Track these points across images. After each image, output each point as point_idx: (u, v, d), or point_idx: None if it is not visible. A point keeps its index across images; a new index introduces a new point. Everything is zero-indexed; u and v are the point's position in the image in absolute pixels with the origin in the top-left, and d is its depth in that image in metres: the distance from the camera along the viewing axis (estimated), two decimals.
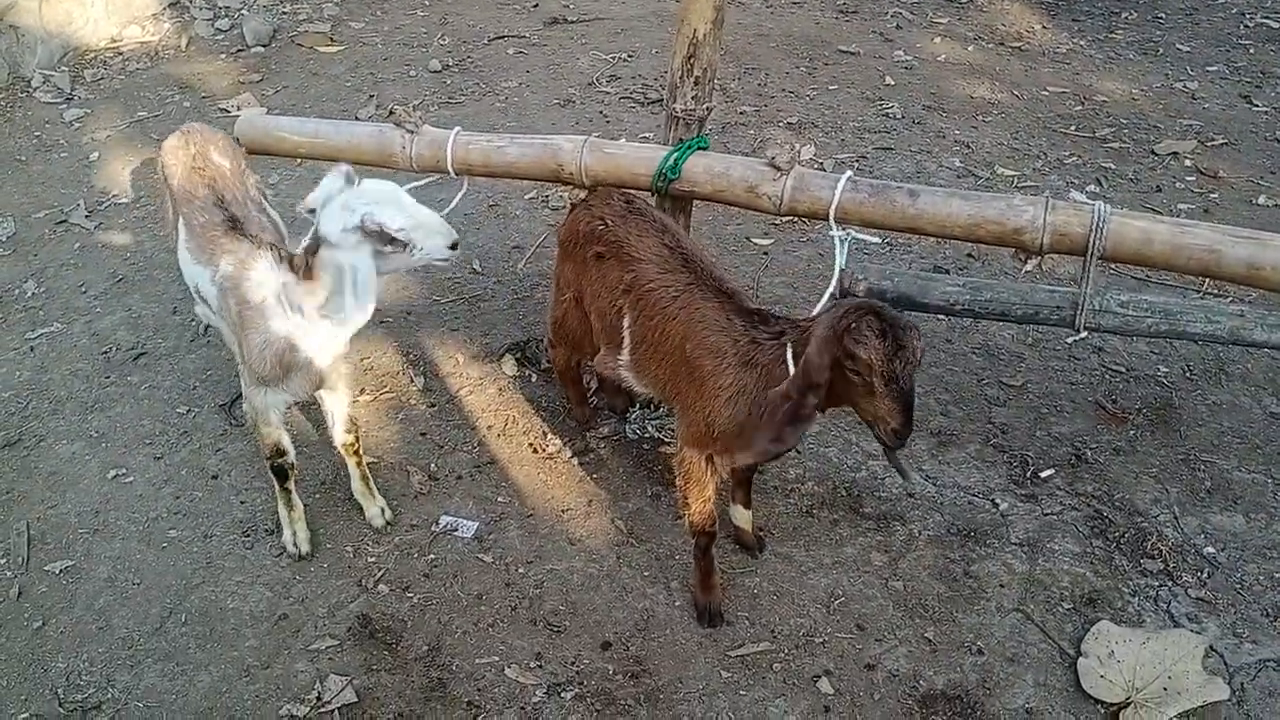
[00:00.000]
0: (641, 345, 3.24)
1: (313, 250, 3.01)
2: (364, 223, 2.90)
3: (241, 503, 3.71)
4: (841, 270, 3.28)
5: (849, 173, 3.32)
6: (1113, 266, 4.86)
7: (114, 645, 3.21)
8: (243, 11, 8.13)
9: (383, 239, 2.93)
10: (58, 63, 7.27)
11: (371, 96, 6.82)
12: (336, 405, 3.45)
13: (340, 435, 3.50)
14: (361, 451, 3.57)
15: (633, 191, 3.51)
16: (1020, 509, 3.68)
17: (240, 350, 3.24)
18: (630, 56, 7.52)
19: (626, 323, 3.27)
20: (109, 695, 3.06)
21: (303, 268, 3.04)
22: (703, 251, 3.27)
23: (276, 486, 3.43)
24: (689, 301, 3.08)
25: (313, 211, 3.04)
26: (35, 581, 3.43)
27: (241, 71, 7.30)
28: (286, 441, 3.37)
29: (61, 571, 3.46)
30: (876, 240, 3.53)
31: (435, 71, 7.27)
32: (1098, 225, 3.06)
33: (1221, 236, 3.02)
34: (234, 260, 3.15)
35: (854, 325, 2.57)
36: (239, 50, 7.63)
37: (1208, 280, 4.74)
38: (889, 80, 7.11)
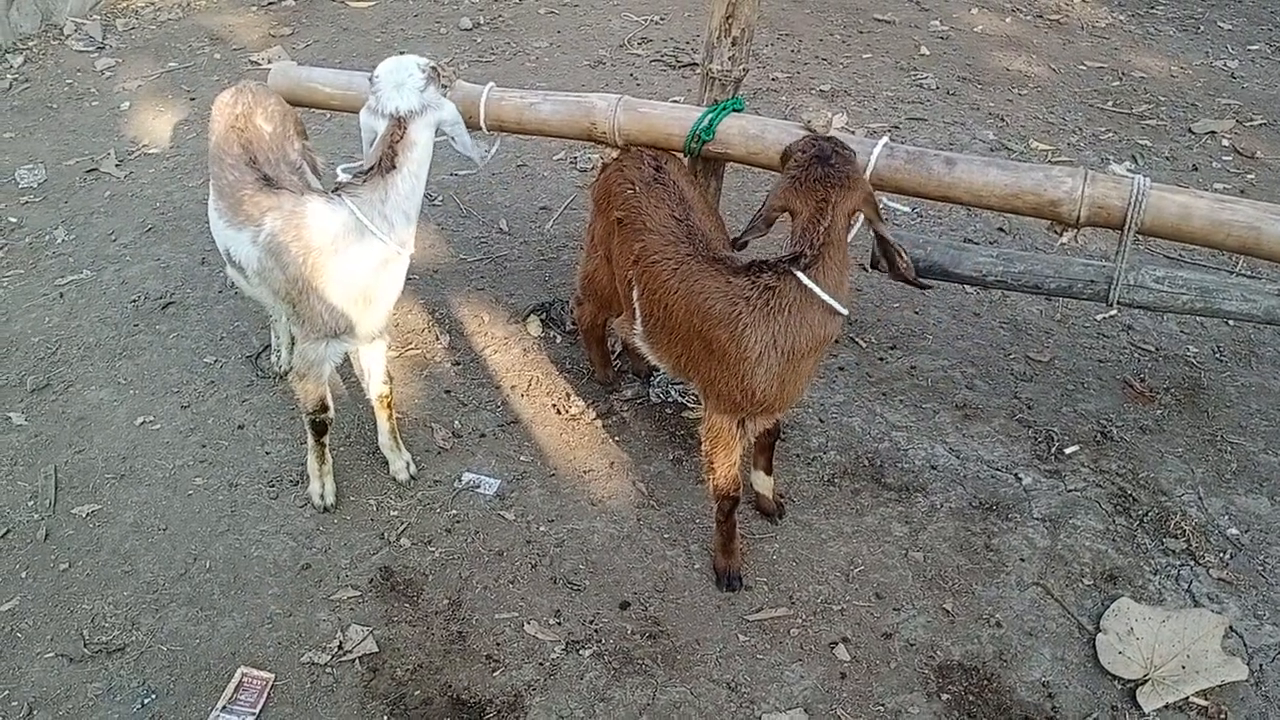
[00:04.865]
0: (650, 319, 3.19)
1: (398, 137, 3.05)
2: (425, 70, 3.14)
3: (267, 453, 3.74)
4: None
5: (885, 138, 3.28)
6: (1146, 245, 4.81)
7: (139, 589, 3.25)
8: None
9: (438, 76, 3.18)
10: (90, 11, 7.27)
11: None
12: (375, 355, 3.45)
13: (377, 386, 3.50)
14: (393, 405, 3.58)
15: (666, 154, 3.46)
16: (1043, 484, 3.66)
17: (298, 307, 3.14)
18: (662, 19, 7.45)
19: (635, 295, 3.23)
20: (133, 638, 3.10)
21: (387, 158, 3.04)
22: (710, 221, 3.21)
23: (311, 440, 3.43)
24: (686, 275, 3.00)
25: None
26: (62, 524, 3.47)
27: (272, 25, 7.28)
28: (330, 397, 3.37)
29: (88, 515, 3.50)
30: (908, 210, 3.50)
31: (466, 29, 7.22)
32: (1137, 199, 3.02)
33: (1262, 214, 2.98)
34: (281, 213, 3.06)
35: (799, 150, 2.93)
36: (270, 3, 7.60)
37: (1241, 261, 4.69)
38: (924, 50, 7.01)
